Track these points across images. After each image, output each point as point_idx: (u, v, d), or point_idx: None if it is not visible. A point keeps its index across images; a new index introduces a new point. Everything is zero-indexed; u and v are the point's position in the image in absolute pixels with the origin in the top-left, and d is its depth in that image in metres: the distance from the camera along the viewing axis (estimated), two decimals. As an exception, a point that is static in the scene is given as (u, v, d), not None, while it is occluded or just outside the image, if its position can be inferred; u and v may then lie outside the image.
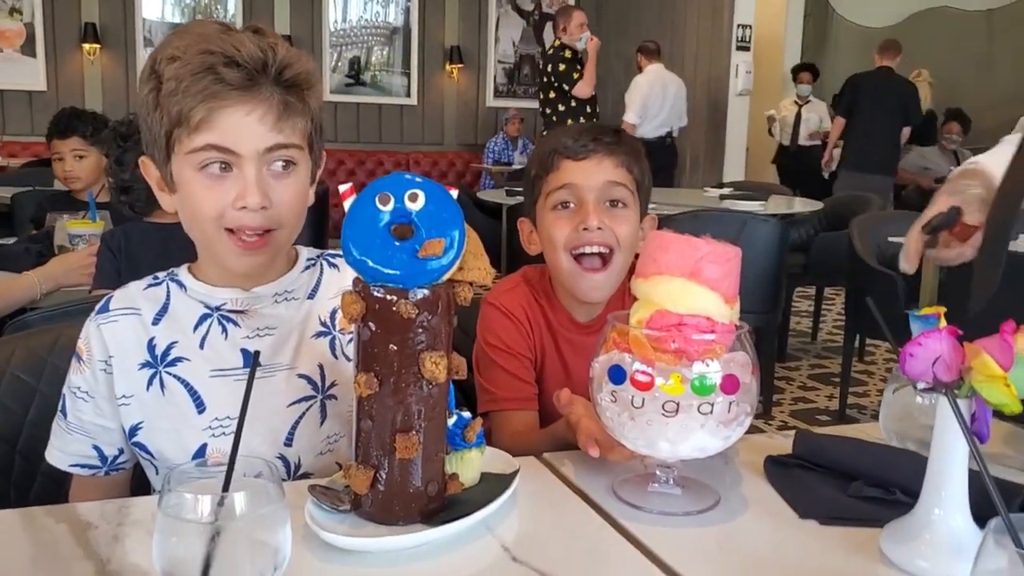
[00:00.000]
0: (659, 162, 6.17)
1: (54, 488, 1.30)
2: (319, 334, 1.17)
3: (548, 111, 6.00)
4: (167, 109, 1.02)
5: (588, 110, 5.96)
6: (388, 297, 0.87)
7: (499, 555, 0.88)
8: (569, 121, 5.82)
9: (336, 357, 1.17)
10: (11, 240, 2.58)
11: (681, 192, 5.81)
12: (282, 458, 1.12)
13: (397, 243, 0.88)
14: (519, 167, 7.76)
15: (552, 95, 5.94)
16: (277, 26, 7.91)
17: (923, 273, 3.66)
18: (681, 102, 6.68)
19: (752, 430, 1.01)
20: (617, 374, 0.96)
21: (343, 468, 0.92)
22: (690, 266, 0.96)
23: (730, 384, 0.94)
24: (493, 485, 0.98)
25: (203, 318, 1.13)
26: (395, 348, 0.88)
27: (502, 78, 8.92)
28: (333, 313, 1.18)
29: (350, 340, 1.17)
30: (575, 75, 5.84)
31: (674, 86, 6.61)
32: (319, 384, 1.15)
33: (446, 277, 0.89)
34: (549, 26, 9.00)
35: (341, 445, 1.16)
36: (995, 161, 1.27)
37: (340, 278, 1.21)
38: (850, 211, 4.55)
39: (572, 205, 1.37)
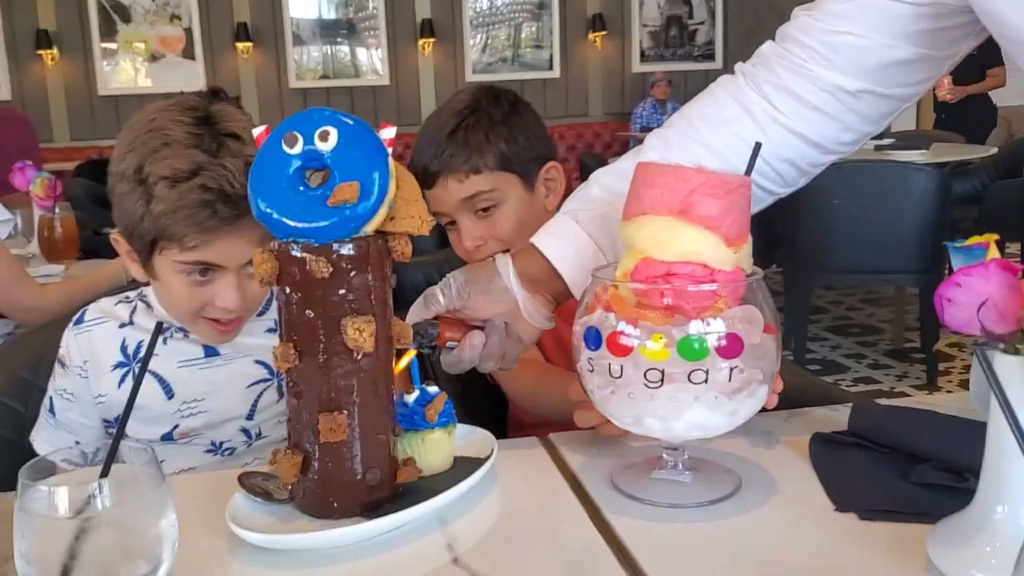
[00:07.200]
0: None
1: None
2: (273, 328, 1.19)
3: None
4: (158, 223, 1.04)
5: None
6: (301, 255, 0.75)
7: (440, 555, 0.74)
8: None
9: None
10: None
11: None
12: (244, 431, 1.18)
13: (301, 189, 0.75)
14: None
15: None
16: (418, 11, 7.96)
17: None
18: None
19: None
20: (593, 337, 0.79)
21: (272, 453, 0.81)
22: (679, 201, 0.77)
23: (729, 346, 0.76)
24: (461, 472, 0.84)
25: (165, 327, 1.18)
26: (312, 314, 0.76)
27: (648, 42, 8.60)
28: None
29: None
30: None
31: None
32: (274, 369, 1.15)
33: (371, 228, 0.76)
34: (696, -16, 8.60)
35: None
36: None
37: None
38: (1030, 155, 4.04)
39: (452, 226, 1.33)
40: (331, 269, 0.74)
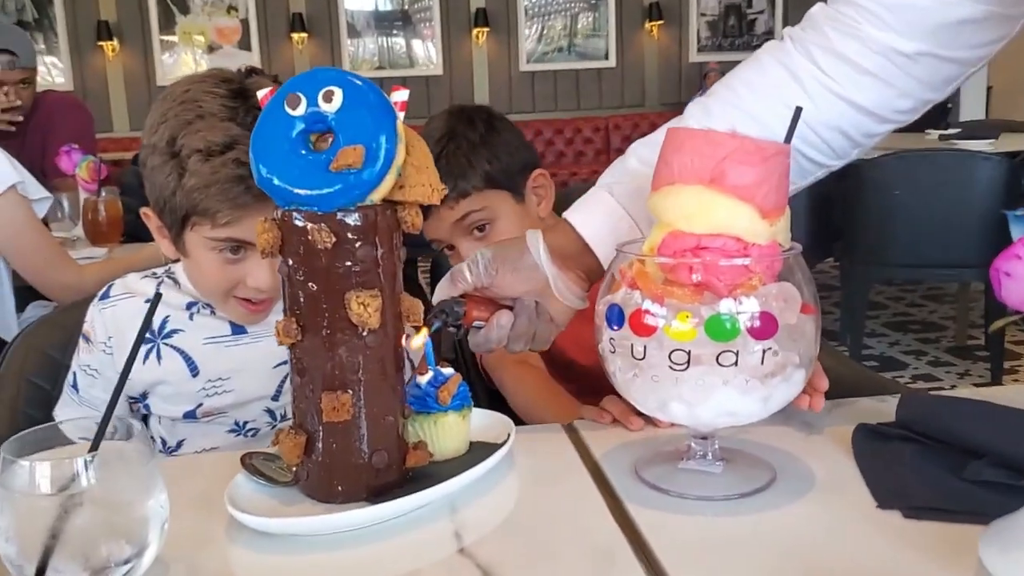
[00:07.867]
0: None
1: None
2: None
3: None
4: (191, 198, 1.02)
5: None
6: (304, 224, 0.71)
7: (446, 544, 0.70)
8: None
9: None
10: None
11: (892, 137, 5.17)
12: (269, 411, 1.16)
13: (304, 153, 0.71)
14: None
15: None
16: (473, 0, 7.92)
17: None
18: None
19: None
20: (615, 316, 0.74)
21: (275, 433, 0.77)
22: (710, 169, 0.71)
23: (763, 326, 0.69)
24: (474, 457, 0.80)
25: (192, 304, 1.15)
26: (315, 287, 0.71)
27: (706, 32, 8.44)
28: None
29: None
30: None
31: None
32: None
33: (378, 196, 0.71)
34: (755, -28, 8.42)
35: None
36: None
37: None
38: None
39: (451, 251, 1.34)
40: (334, 239, 0.70)
